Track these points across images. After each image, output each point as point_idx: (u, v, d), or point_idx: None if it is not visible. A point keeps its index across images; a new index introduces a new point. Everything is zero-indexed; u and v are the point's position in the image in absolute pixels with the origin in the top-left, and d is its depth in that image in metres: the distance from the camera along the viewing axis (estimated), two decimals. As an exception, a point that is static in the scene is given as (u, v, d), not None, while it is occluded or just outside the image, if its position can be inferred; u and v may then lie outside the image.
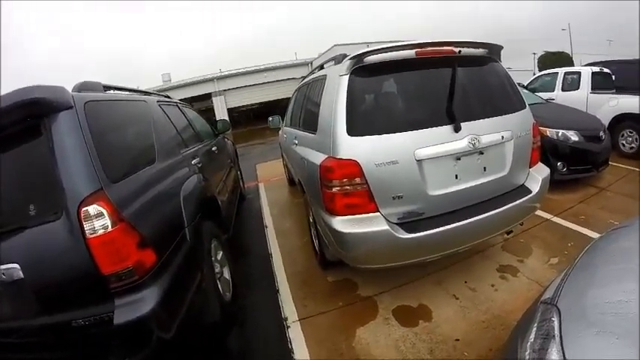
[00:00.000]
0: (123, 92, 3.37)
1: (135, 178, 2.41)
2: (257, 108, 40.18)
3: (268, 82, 36.20)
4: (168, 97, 4.79)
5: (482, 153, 3.02)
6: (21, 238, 1.91)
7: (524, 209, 3.29)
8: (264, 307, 3.68)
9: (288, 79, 34.59)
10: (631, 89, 7.98)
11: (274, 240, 5.31)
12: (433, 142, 2.84)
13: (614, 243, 1.81)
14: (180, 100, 5.67)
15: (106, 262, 1.92)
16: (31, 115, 1.98)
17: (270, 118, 7.60)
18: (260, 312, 3.61)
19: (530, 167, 3.46)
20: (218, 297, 3.05)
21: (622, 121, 7.88)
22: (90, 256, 1.89)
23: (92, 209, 1.91)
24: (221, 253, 3.58)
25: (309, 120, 3.85)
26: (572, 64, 29.65)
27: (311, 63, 34.89)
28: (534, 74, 12.11)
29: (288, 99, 6.80)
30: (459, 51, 3.02)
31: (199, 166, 3.72)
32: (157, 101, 3.82)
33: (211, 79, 35.71)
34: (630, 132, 7.76)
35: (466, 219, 2.90)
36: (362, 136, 2.79)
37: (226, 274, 3.59)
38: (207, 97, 35.95)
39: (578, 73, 9.04)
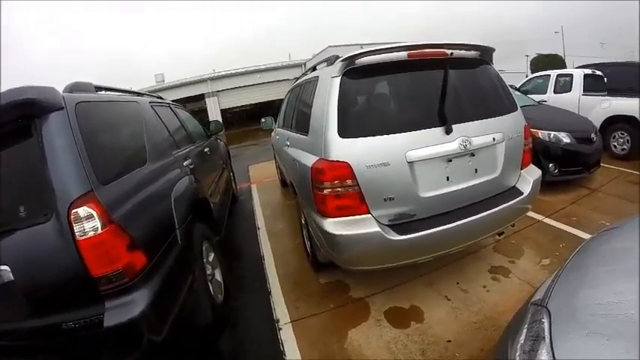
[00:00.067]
0: (114, 93, 3.36)
1: (125, 179, 2.40)
2: (250, 109, 40.06)
3: (262, 83, 36.11)
4: (161, 97, 4.77)
5: (473, 155, 3.03)
6: (11, 240, 1.89)
7: (515, 211, 3.30)
8: (256, 308, 3.66)
9: (282, 80, 34.49)
10: (623, 91, 8.04)
11: (266, 241, 5.30)
12: (424, 144, 2.84)
13: (605, 244, 1.82)
14: (173, 100, 5.66)
15: (95, 264, 1.90)
16: (21, 116, 1.96)
17: (263, 120, 7.59)
18: (252, 314, 3.60)
19: (521, 169, 3.47)
20: (209, 299, 3.04)
21: (613, 122, 7.94)
22: (80, 258, 1.87)
23: (82, 211, 1.89)
24: (212, 254, 3.56)
25: (301, 121, 3.85)
26: (564, 67, 29.77)
27: (304, 64, 34.85)
28: (527, 76, 12.15)
29: (282, 100, 6.79)
30: (451, 53, 3.03)
31: (191, 167, 3.70)
32: (149, 102, 3.80)
33: (204, 80, 35.59)
34: (622, 134, 7.82)
35: (457, 221, 2.91)
36: (353, 137, 2.79)
37: (218, 276, 3.57)
38: (201, 97, 35.83)
39: (571, 76, 9.08)
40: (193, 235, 3.02)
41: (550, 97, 9.10)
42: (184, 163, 3.61)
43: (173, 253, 2.55)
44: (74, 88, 2.58)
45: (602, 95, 8.36)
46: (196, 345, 2.85)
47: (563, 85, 9.13)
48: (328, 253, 3.16)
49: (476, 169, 3.08)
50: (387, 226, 2.87)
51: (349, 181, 2.74)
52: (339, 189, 2.77)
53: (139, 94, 4.02)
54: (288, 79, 31.70)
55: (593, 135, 6.30)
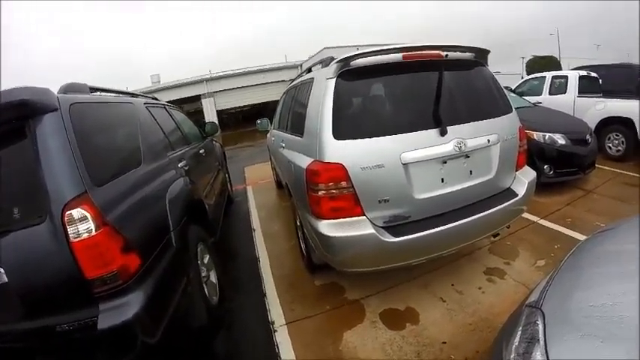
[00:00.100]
0: (109, 94, 3.34)
1: (120, 181, 2.38)
2: (246, 110, 40.05)
3: (258, 85, 36.04)
4: (156, 98, 4.76)
5: (468, 156, 3.03)
6: (5, 242, 1.87)
7: (510, 212, 3.30)
8: (251, 310, 3.65)
9: (278, 81, 34.45)
10: (618, 93, 8.08)
11: (262, 243, 5.29)
12: (419, 146, 2.84)
13: (599, 245, 1.82)
14: (169, 101, 5.64)
15: (89, 266, 1.89)
16: (16, 117, 1.95)
17: (259, 121, 7.58)
18: (247, 315, 3.59)
19: (516, 170, 3.48)
20: (204, 301, 3.03)
21: (608, 124, 7.99)
22: (74, 260, 1.86)
23: (76, 213, 1.88)
24: (208, 256, 3.55)
25: (296, 123, 3.85)
26: (560, 69, 29.90)
27: (301, 65, 34.83)
28: (522, 78, 12.19)
29: (278, 101, 6.79)
30: (446, 55, 3.03)
31: (186, 169, 3.69)
32: (144, 103, 3.78)
33: (201, 81, 35.51)
34: (616, 135, 7.87)
35: (452, 222, 2.91)
36: (348, 139, 2.78)
37: (213, 278, 3.56)
38: (197, 98, 35.74)
39: (566, 77, 9.14)
40: (188, 237, 3.00)
41: (545, 99, 9.14)
42: (179, 165, 3.59)
43: (167, 255, 2.54)
44: (69, 89, 2.55)
45: (597, 97, 8.40)
46: (191, 347, 2.83)
47: (559, 87, 9.18)
48: (323, 255, 3.15)
49: (471, 171, 3.08)
50: (382, 227, 2.86)
51: (344, 183, 2.74)
52: (334, 191, 2.77)
53: (133, 95, 4.00)
54: (284, 81, 31.74)
55: (588, 136, 6.32)
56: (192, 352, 2.88)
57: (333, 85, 2.90)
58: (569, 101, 8.70)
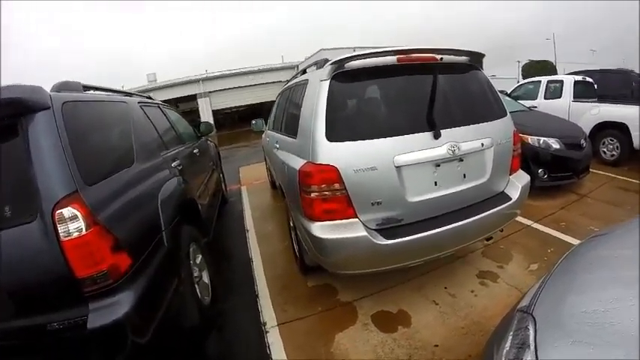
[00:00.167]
0: (103, 93, 3.33)
1: (112, 180, 2.37)
2: (242, 110, 40.12)
3: (254, 85, 36.09)
4: (150, 97, 4.74)
5: (461, 160, 3.03)
6: None
7: (503, 216, 3.30)
8: (244, 311, 3.64)
9: (274, 82, 34.43)
10: (613, 98, 8.12)
11: (255, 244, 5.27)
12: (412, 149, 2.84)
13: (592, 250, 1.81)
14: (165, 100, 5.63)
15: (80, 265, 1.89)
16: (7, 115, 1.94)
17: (254, 121, 7.57)
18: (239, 316, 3.58)
19: (510, 174, 3.48)
20: (196, 301, 3.03)
21: (603, 129, 8.03)
22: (64, 259, 1.86)
23: (66, 212, 1.87)
24: (200, 256, 3.55)
25: (290, 124, 3.84)
26: (555, 73, 30.02)
27: (297, 66, 34.84)
28: (518, 82, 12.24)
29: (274, 102, 6.78)
30: (441, 58, 3.03)
31: (180, 168, 3.68)
32: (138, 102, 3.77)
33: (197, 81, 35.55)
34: (611, 140, 7.91)
35: (445, 226, 2.90)
36: (341, 141, 2.78)
37: (205, 278, 3.56)
38: (193, 98, 35.78)
39: (561, 82, 9.18)
40: (180, 237, 3.00)
41: (540, 103, 9.18)
42: (173, 164, 3.58)
43: (159, 254, 2.53)
44: (62, 87, 2.55)
45: (592, 102, 8.45)
46: (182, 347, 2.83)
47: (554, 92, 9.22)
48: (315, 257, 3.14)
49: (464, 174, 3.08)
50: (375, 230, 2.86)
51: (336, 185, 2.74)
52: (327, 193, 2.77)
53: (128, 94, 3.98)
54: (280, 81, 31.77)
55: (582, 141, 6.35)
56: (183, 353, 2.88)
57: (327, 87, 2.89)
58: (565, 106, 8.74)
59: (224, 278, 4.27)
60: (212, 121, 31.55)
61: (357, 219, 2.82)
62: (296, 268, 4.27)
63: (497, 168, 3.25)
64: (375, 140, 2.79)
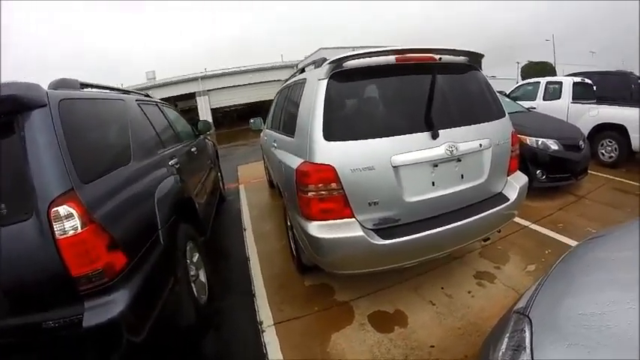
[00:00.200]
0: (100, 90, 3.31)
1: (108, 178, 2.36)
2: (241, 109, 40.01)
3: (253, 84, 36.07)
4: (148, 95, 4.72)
5: (459, 160, 3.02)
6: None
7: (501, 217, 3.30)
8: (240, 310, 3.63)
9: (273, 80, 34.36)
10: (612, 99, 8.13)
11: (252, 243, 5.26)
12: (410, 149, 2.83)
13: (590, 252, 1.80)
14: (164, 98, 5.61)
15: (75, 263, 1.88)
16: (4, 112, 1.93)
17: (252, 120, 7.55)
18: (236, 315, 3.57)
19: (508, 175, 3.48)
20: (192, 300, 3.02)
21: (602, 130, 8.03)
22: (60, 258, 1.86)
23: (62, 210, 1.87)
24: (197, 255, 3.54)
25: (288, 123, 3.84)
26: (554, 74, 30.05)
27: (296, 65, 34.80)
28: (517, 83, 12.24)
29: (272, 101, 6.76)
30: (439, 58, 3.01)
31: (177, 167, 3.67)
32: (136, 100, 3.76)
33: (195, 79, 35.49)
34: (610, 142, 7.93)
35: (442, 226, 2.89)
36: (338, 141, 2.77)
37: (202, 277, 3.55)
38: (192, 96, 35.78)
39: (560, 83, 9.18)
40: (177, 236, 2.99)
41: (539, 104, 9.19)
42: (170, 163, 3.57)
43: (155, 253, 2.52)
44: (59, 84, 2.53)
45: (590, 103, 8.45)
46: (179, 346, 2.83)
47: (553, 93, 9.22)
48: (312, 256, 3.14)
49: (462, 175, 3.08)
50: (372, 230, 2.85)
51: (333, 185, 2.73)
52: (324, 192, 2.76)
53: (126, 91, 3.97)
54: (279, 80, 31.77)
55: (581, 142, 6.36)
56: (180, 352, 2.87)
57: (325, 86, 2.88)
58: (563, 107, 8.75)
59: (221, 277, 4.26)
60: (211, 120, 31.63)
61: (353, 219, 2.81)
62: (293, 267, 4.26)
63: (495, 169, 3.25)
64: (373, 140, 2.79)
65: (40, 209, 1.85)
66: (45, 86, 2.24)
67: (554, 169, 5.99)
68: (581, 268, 1.65)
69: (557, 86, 9.21)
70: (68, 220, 1.88)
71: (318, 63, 3.27)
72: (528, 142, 6.00)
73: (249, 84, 36.10)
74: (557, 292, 1.50)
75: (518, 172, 3.66)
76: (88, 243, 1.93)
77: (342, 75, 2.91)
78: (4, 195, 1.92)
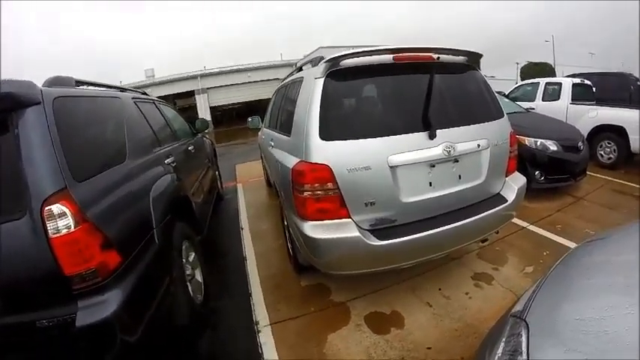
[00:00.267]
0: (96, 88, 3.29)
1: (102, 176, 2.35)
2: (240, 107, 40.06)
3: (252, 82, 36.03)
4: (145, 93, 4.71)
5: (457, 161, 3.00)
6: None
7: (499, 218, 3.28)
8: (237, 310, 3.62)
9: (272, 79, 34.37)
10: (611, 101, 8.13)
11: (249, 242, 5.25)
12: (407, 149, 2.81)
13: (588, 255, 1.78)
14: (163, 96, 5.61)
15: (68, 262, 1.87)
16: None
17: (250, 119, 7.51)
18: (232, 315, 3.55)
19: (506, 176, 3.46)
20: (188, 299, 3.00)
21: (601, 132, 8.03)
22: (53, 256, 1.84)
23: (55, 208, 1.86)
24: (193, 254, 3.52)
25: (285, 122, 3.82)
26: (554, 75, 30.08)
27: (296, 64, 34.81)
28: (516, 83, 12.25)
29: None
30: (438, 57, 3.00)
31: (174, 165, 3.65)
32: (132, 98, 3.74)
33: (195, 77, 35.43)
34: (608, 143, 7.93)
35: (439, 227, 2.88)
36: (335, 140, 2.75)
37: (198, 276, 3.54)
38: (191, 94, 35.76)
39: (559, 84, 9.19)
40: (173, 235, 2.98)
41: (538, 105, 9.20)
42: (166, 161, 3.55)
43: (150, 252, 2.51)
44: (54, 82, 2.52)
45: (590, 104, 8.45)
46: (174, 346, 2.82)
47: (552, 94, 9.23)
48: (308, 257, 3.12)
49: (460, 175, 3.06)
50: (368, 230, 2.83)
51: (330, 185, 2.71)
52: (319, 192, 2.74)
53: (122, 89, 3.95)
54: (278, 79, 31.78)
55: (580, 143, 6.35)
56: (175, 351, 2.86)
57: (321, 84, 2.86)
58: (562, 108, 8.76)
59: (218, 276, 4.24)
60: (210, 118, 31.59)
61: (350, 219, 2.80)
62: (290, 267, 4.24)
63: (493, 169, 3.23)
64: (370, 140, 2.77)
65: (33, 208, 1.84)
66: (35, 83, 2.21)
67: (553, 170, 5.99)
68: (579, 272, 1.63)
69: (556, 87, 9.22)
70: (61, 219, 1.86)
71: (314, 62, 3.26)
72: (527, 142, 5.98)
73: (248, 82, 36.06)
74: (555, 296, 1.48)
75: (517, 173, 3.64)
76: (81, 242, 1.92)
77: (339, 74, 2.88)
78: None
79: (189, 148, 5.01)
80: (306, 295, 3.72)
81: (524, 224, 4.95)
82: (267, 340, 3.12)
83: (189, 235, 3.51)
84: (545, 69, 44.07)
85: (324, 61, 2.90)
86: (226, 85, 36.02)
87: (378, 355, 2.83)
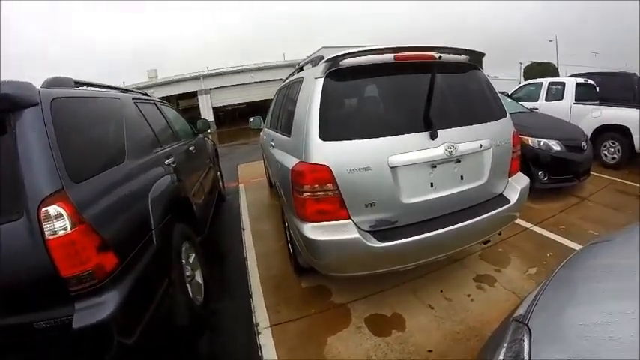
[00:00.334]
0: (95, 89, 3.27)
1: (100, 178, 2.34)
2: (243, 108, 40.16)
3: (255, 82, 36.06)
4: (147, 94, 4.70)
5: (459, 161, 2.98)
6: None
7: (502, 219, 3.25)
8: (237, 311, 3.60)
9: (275, 79, 34.34)
10: (615, 101, 8.10)
11: (250, 243, 5.23)
12: (408, 149, 2.79)
13: (593, 258, 1.74)
14: (166, 97, 5.60)
15: (65, 264, 1.86)
16: None
17: (252, 119, 7.50)
18: (232, 317, 3.54)
19: (509, 176, 3.43)
20: (187, 301, 2.98)
21: (604, 131, 8.01)
22: (50, 258, 1.84)
23: (52, 210, 1.85)
24: (193, 255, 3.51)
25: (285, 123, 3.80)
26: (557, 75, 30.02)
27: (298, 64, 34.77)
28: (520, 83, 12.22)
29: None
30: (439, 57, 2.96)
31: (174, 166, 3.63)
32: (133, 99, 3.73)
33: (197, 77, 35.48)
34: (612, 143, 7.90)
35: (441, 228, 2.85)
36: (335, 140, 2.73)
37: (198, 278, 3.52)
38: (193, 95, 35.89)
39: (563, 84, 9.17)
40: (172, 236, 2.97)
41: (542, 105, 9.17)
42: (166, 162, 3.54)
43: (148, 253, 2.49)
44: (53, 83, 2.51)
45: (593, 104, 8.42)
46: (173, 347, 2.81)
47: (555, 93, 9.21)
48: (308, 258, 3.10)
49: (462, 176, 3.03)
50: (368, 232, 2.80)
51: (329, 185, 2.68)
52: (319, 193, 2.71)
53: (123, 90, 3.95)
54: (281, 79, 31.80)
55: (583, 143, 6.32)
56: (174, 353, 2.85)
57: (321, 84, 2.83)
58: (566, 108, 8.74)
59: (218, 278, 4.23)
60: (212, 118, 31.60)
61: (350, 220, 2.77)
62: (290, 268, 4.22)
63: (495, 170, 3.20)
64: (370, 140, 2.74)
65: (30, 209, 1.83)
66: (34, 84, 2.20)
67: (556, 171, 5.96)
68: (584, 275, 1.59)
69: (559, 87, 9.20)
70: (58, 221, 1.86)
71: (315, 61, 3.23)
72: (530, 142, 5.96)
73: (251, 83, 36.10)
74: (559, 300, 1.45)
75: (520, 174, 3.61)
76: (78, 243, 1.91)
77: (339, 73, 2.86)
78: None
79: (190, 148, 5.00)
80: (306, 297, 3.70)
81: (527, 225, 4.92)
82: (266, 341, 3.11)
83: (190, 236, 3.49)
84: (548, 69, 44.09)
85: (324, 60, 2.88)
86: (229, 86, 36.08)
87: (378, 358, 2.81)
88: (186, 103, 36.17)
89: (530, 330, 1.34)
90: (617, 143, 7.83)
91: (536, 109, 8.68)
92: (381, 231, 2.83)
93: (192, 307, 3.05)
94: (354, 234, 2.71)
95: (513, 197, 3.30)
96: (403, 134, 2.81)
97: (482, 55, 3.34)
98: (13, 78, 2.04)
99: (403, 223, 2.89)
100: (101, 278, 1.98)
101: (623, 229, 1.94)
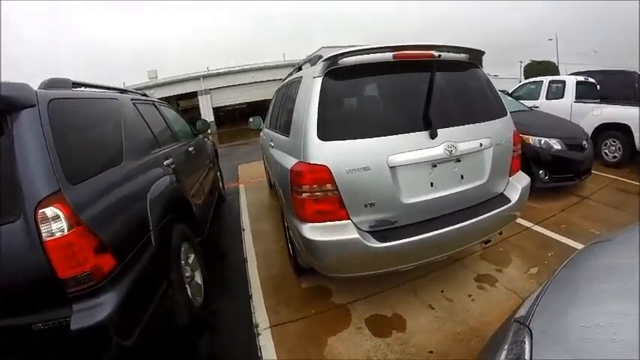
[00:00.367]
0: (93, 90, 3.26)
1: (98, 179, 2.33)
2: (243, 108, 40.19)
3: (255, 83, 36.07)
4: (146, 95, 4.69)
5: (459, 160, 2.96)
6: None
7: (502, 218, 3.23)
8: (236, 312, 3.59)
9: (275, 79, 34.35)
10: (615, 99, 8.09)
11: (250, 243, 5.22)
12: (407, 149, 2.77)
13: (594, 258, 1.72)
14: (166, 98, 5.60)
15: (62, 265, 1.86)
16: None
17: (251, 119, 7.48)
18: (232, 317, 3.53)
19: (510, 176, 3.41)
20: (187, 302, 2.97)
21: (605, 130, 7.99)
22: (47, 260, 1.84)
23: (49, 211, 1.85)
24: (193, 256, 3.50)
25: (284, 122, 3.79)
26: (557, 74, 30.02)
27: (298, 64, 34.80)
28: (520, 82, 12.21)
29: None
30: (439, 55, 2.94)
31: (173, 166, 3.62)
32: (131, 99, 3.72)
33: (197, 78, 35.52)
34: (613, 141, 7.89)
35: (441, 228, 2.83)
36: (334, 140, 2.71)
37: (198, 278, 3.51)
38: (194, 95, 35.92)
39: (563, 82, 9.16)
40: (171, 237, 2.96)
41: (542, 103, 9.16)
42: (165, 163, 3.53)
43: (146, 255, 2.49)
44: (50, 84, 2.51)
45: (594, 102, 8.40)
46: (172, 348, 2.81)
47: (556, 92, 9.21)
48: (307, 259, 3.08)
49: (462, 175, 3.01)
50: (368, 232, 2.79)
51: (328, 185, 2.67)
52: (318, 193, 2.70)
53: (122, 90, 3.95)
54: (281, 79, 31.77)
55: (584, 142, 6.31)
56: (173, 354, 2.86)
57: (320, 84, 2.82)
58: (566, 106, 8.72)
59: (218, 278, 4.22)
60: (212, 119, 31.60)
61: (349, 221, 2.76)
62: (290, 268, 4.21)
63: (496, 169, 3.18)
64: (369, 139, 2.72)
65: (27, 210, 1.83)
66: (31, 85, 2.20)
67: (557, 169, 5.94)
68: (585, 275, 1.57)
69: (560, 85, 9.19)
70: (55, 222, 1.86)
71: (313, 60, 3.22)
72: (531, 141, 5.94)
73: (251, 83, 36.12)
74: (560, 301, 1.43)
75: (521, 173, 3.59)
76: (75, 245, 1.90)
77: (338, 73, 2.84)
78: None
79: (190, 149, 4.99)
80: (306, 298, 3.69)
81: (528, 224, 4.91)
82: (266, 342, 3.10)
83: (189, 236, 3.48)
84: (548, 67, 44.09)
85: (322, 59, 2.86)
86: (229, 86, 36.12)
87: (378, 359, 2.81)
88: (186, 104, 36.20)
89: (531, 331, 1.32)
90: (618, 141, 7.82)
91: (537, 107, 8.67)
92: (381, 231, 2.82)
93: (192, 308, 3.03)
94: (354, 234, 2.70)
95: (514, 196, 3.28)
96: (402, 133, 2.80)
97: (482, 53, 3.32)
98: (13, 78, 2.04)
99: (403, 223, 2.88)
100: (99, 280, 1.98)
101: (624, 229, 1.92)
